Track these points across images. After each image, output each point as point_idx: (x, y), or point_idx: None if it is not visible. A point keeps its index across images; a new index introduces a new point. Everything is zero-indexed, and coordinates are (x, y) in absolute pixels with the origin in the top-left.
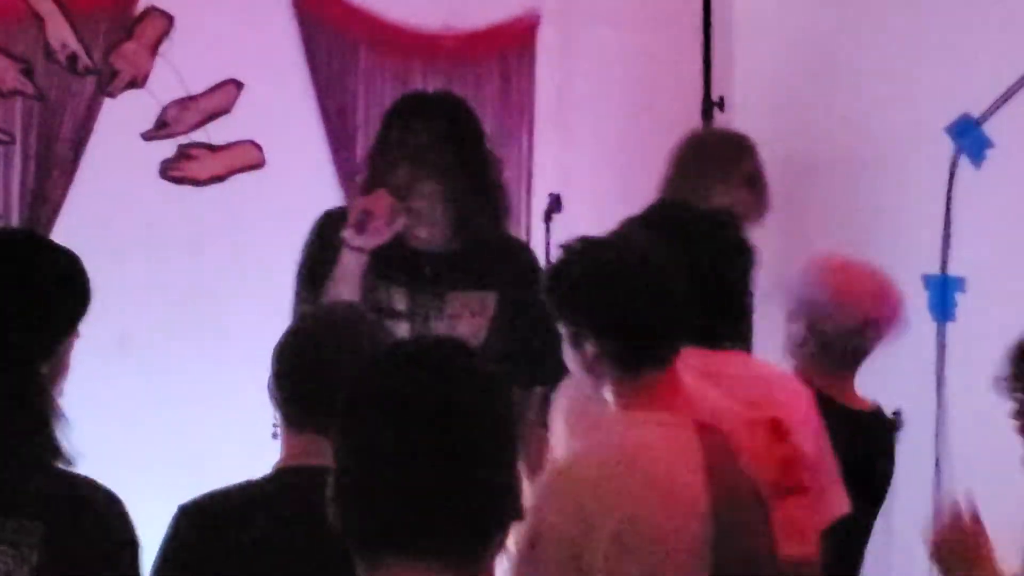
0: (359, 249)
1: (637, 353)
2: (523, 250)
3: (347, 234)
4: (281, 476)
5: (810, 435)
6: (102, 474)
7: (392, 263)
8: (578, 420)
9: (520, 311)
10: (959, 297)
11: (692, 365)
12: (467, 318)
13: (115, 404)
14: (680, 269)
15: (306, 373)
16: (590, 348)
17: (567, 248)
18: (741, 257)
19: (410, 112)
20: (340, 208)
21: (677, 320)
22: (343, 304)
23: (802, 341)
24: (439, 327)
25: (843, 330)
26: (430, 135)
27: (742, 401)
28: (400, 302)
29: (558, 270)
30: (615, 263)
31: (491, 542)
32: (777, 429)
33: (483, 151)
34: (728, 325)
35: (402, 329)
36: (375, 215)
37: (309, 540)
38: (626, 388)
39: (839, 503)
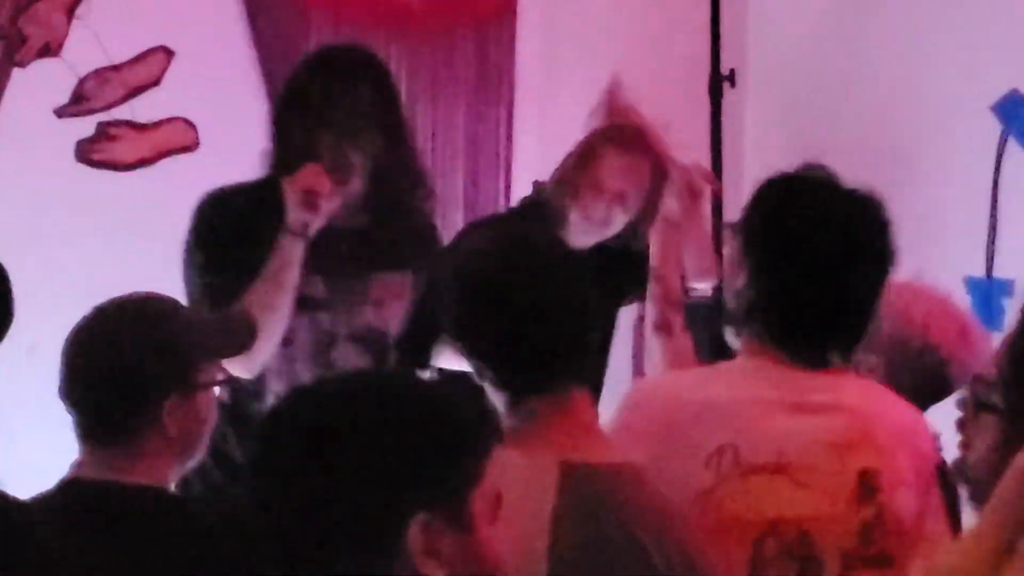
0: (303, 235)
1: (511, 381)
2: (433, 230)
3: (292, 216)
4: (70, 490)
5: (918, 490)
6: (12, 482)
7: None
8: None
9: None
10: (1007, 303)
11: (775, 396)
12: (393, 303)
13: (23, 411)
14: (576, 266)
15: (100, 378)
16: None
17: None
18: (869, 248)
19: (332, 74)
20: (234, 187)
21: (562, 333)
22: (143, 296)
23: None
24: (365, 315)
25: (924, 368)
26: (356, 103)
27: (828, 443)
28: (317, 289)
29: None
30: (474, 267)
31: None
32: (865, 484)
33: (404, 120)
34: (840, 340)
35: (323, 320)
36: (319, 194)
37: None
38: (510, 419)
39: None
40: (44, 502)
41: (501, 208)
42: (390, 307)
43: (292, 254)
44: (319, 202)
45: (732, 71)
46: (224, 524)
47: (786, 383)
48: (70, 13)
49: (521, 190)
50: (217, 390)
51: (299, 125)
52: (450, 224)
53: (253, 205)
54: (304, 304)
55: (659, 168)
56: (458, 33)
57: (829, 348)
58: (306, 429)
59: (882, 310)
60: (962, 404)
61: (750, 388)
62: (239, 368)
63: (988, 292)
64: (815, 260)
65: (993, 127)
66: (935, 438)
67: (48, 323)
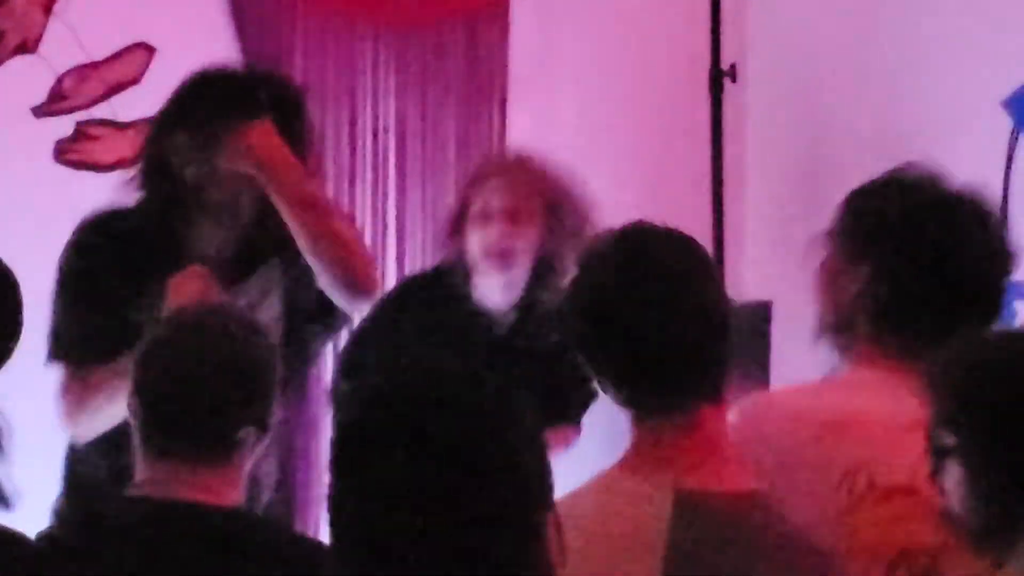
0: None
1: (636, 397)
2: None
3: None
4: (139, 507)
5: None
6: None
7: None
8: None
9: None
10: (1020, 306)
11: (901, 412)
12: (262, 304)
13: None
14: (712, 280)
15: (174, 391)
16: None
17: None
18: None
19: (227, 104)
20: (115, 219)
21: (687, 345)
22: (216, 306)
23: None
24: None
25: None
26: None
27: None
28: None
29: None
30: (599, 269)
31: None
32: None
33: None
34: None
35: None
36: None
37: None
38: (634, 438)
39: None
40: (112, 522)
41: None
42: (260, 310)
43: None
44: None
45: (733, 66)
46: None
47: (911, 397)
48: (47, 9)
49: None
50: None
51: (194, 151)
52: (440, 223)
53: (133, 247)
54: None
55: (552, 187)
56: (448, 27)
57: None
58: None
59: None
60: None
61: (874, 403)
62: (81, 429)
63: None
64: (949, 251)
65: (1004, 122)
66: None
67: (25, 325)
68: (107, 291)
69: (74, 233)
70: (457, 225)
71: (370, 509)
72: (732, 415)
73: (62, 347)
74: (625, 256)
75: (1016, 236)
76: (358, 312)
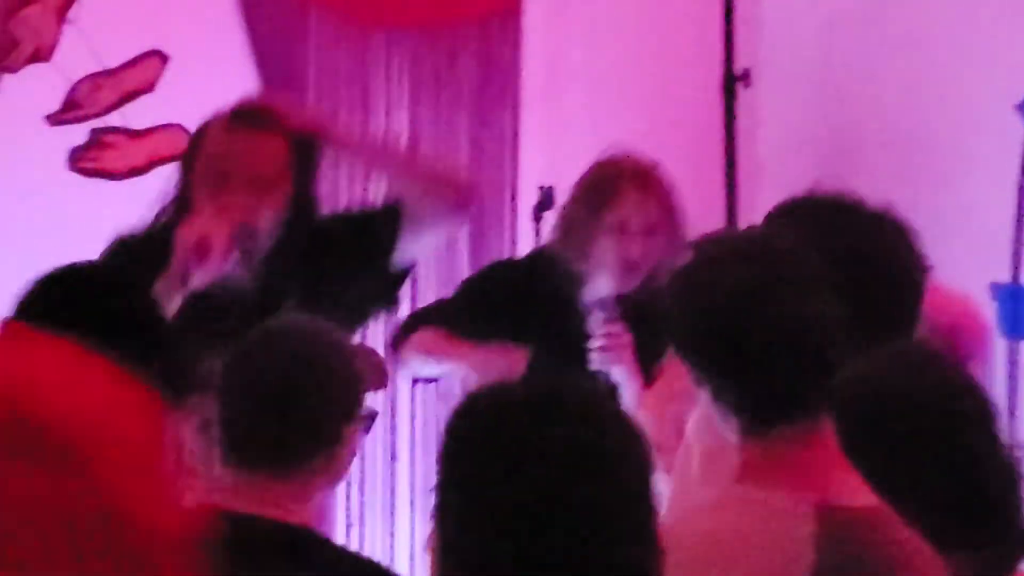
0: (182, 283)
1: (760, 403)
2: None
3: (176, 262)
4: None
5: None
6: None
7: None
8: (710, 474)
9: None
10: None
11: None
12: None
13: None
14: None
15: (265, 404)
16: (705, 391)
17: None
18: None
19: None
20: (134, 238)
21: (825, 352)
22: (307, 319)
23: None
24: None
25: None
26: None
27: None
28: None
29: (667, 286)
30: (721, 269)
31: None
32: None
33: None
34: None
35: None
36: (211, 244)
37: None
38: (749, 451)
39: None
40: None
41: (507, 212)
42: None
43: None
44: (210, 252)
45: (746, 70)
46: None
47: None
48: (61, 17)
49: (527, 195)
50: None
51: (204, 181)
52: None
53: (152, 262)
54: None
55: (676, 200)
56: (461, 33)
57: None
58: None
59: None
60: None
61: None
62: None
63: (1014, 298)
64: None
65: (1017, 127)
66: None
67: None
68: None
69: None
70: (579, 225)
71: (486, 527)
72: None
73: None
74: (750, 262)
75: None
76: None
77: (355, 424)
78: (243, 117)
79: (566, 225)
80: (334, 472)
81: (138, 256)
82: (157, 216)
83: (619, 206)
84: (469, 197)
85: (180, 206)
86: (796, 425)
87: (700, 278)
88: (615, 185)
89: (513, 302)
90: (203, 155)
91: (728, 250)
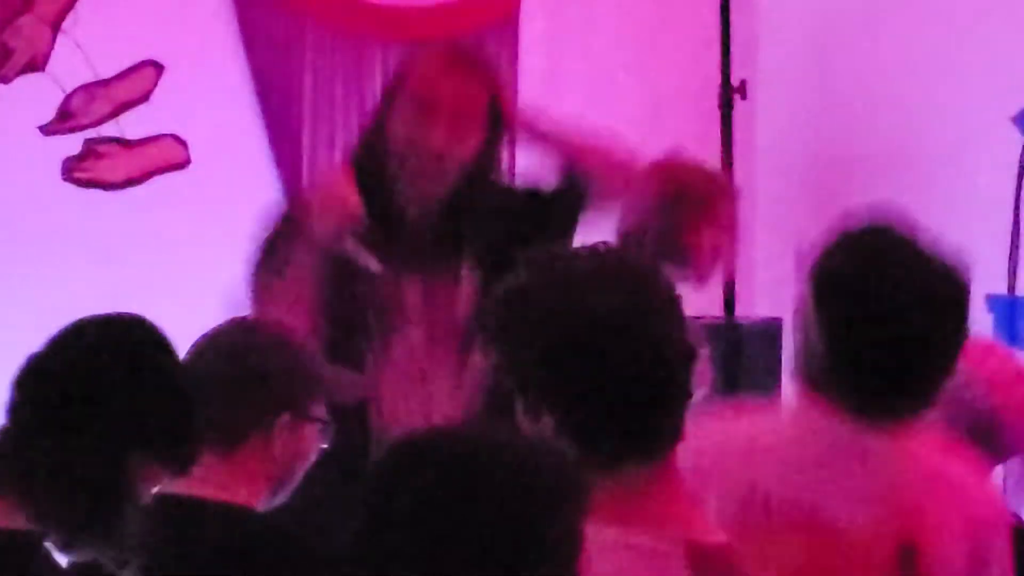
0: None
1: (616, 436)
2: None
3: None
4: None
5: (968, 563)
6: None
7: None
8: None
9: None
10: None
11: (821, 448)
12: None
13: None
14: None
15: (224, 380)
16: (546, 420)
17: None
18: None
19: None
20: None
21: (682, 384)
22: (260, 322)
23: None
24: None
25: (980, 427)
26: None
27: (871, 507)
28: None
29: (498, 301)
30: (578, 294)
31: None
32: (905, 559)
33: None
34: (910, 405)
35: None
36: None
37: None
38: (598, 487)
39: None
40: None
41: None
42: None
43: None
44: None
45: (743, 83)
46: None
47: (837, 437)
48: (56, 26)
49: None
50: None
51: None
52: None
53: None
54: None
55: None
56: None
57: (898, 411)
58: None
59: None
60: None
61: (795, 436)
62: None
63: (1011, 311)
64: (894, 326)
65: (1015, 139)
66: (998, 501)
67: (33, 345)
68: None
69: None
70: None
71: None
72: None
73: None
74: (611, 287)
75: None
76: None
77: (293, 417)
78: (460, 57)
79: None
80: (277, 463)
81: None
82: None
83: (691, 203)
84: (630, 181)
85: (376, 129)
86: (652, 460)
87: (551, 302)
88: (684, 183)
89: None
90: (412, 82)
91: (581, 273)
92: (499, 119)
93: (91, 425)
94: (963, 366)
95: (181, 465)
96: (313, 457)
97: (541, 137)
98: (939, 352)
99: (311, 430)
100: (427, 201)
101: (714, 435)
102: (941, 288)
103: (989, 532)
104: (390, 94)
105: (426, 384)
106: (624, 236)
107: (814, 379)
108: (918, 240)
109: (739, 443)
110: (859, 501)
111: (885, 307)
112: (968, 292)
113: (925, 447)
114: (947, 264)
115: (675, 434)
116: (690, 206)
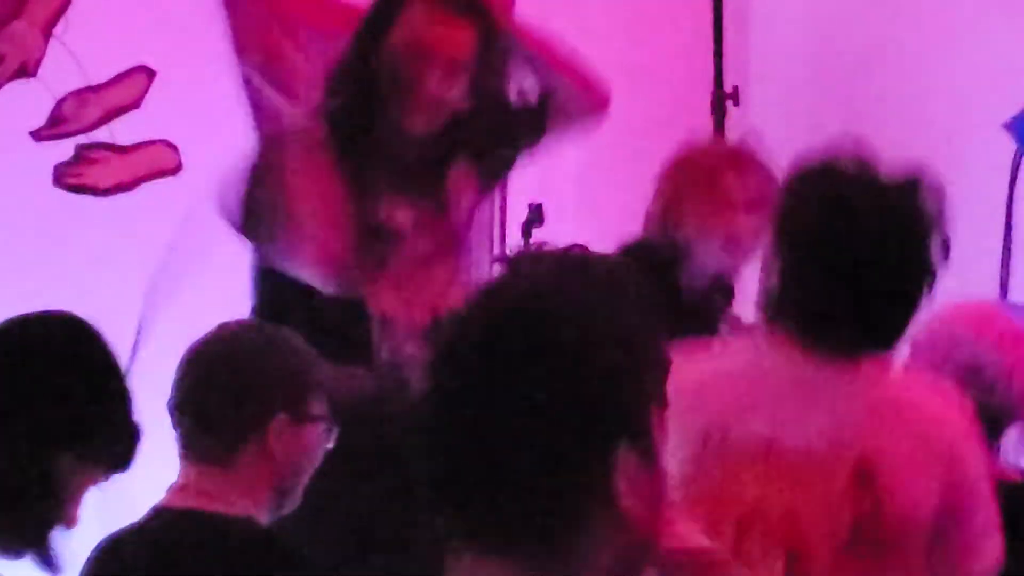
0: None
1: None
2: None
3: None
4: (160, 519)
5: (932, 484)
6: None
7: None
8: None
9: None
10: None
11: (779, 379)
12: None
13: None
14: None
15: (190, 395)
16: None
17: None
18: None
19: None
20: None
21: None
22: (251, 324)
23: None
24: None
25: (992, 393)
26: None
27: (826, 430)
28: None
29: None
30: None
31: None
32: (861, 475)
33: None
34: (873, 340)
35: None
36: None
37: None
38: None
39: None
40: (141, 532)
41: (496, 229)
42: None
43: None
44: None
45: (735, 89)
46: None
47: (794, 371)
48: (47, 32)
49: (516, 213)
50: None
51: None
52: None
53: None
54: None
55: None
56: None
57: (854, 344)
58: (520, 346)
59: (953, 332)
60: None
61: (753, 368)
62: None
63: None
64: (844, 259)
65: (1007, 145)
66: (965, 427)
67: None
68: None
69: None
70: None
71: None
72: None
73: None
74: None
75: (1023, 258)
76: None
77: (289, 418)
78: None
79: (664, 212)
80: (275, 463)
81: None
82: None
83: (726, 184)
84: (607, 101)
85: (361, 83)
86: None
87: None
88: (718, 164)
89: None
90: (400, 29)
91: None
92: (493, 44)
93: (16, 426)
94: (967, 331)
95: (116, 464)
96: (318, 459)
97: (524, 49)
98: (893, 285)
99: (312, 431)
100: (418, 133)
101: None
102: (891, 222)
103: (954, 456)
104: (375, 27)
105: (425, 290)
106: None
107: (773, 316)
108: (874, 176)
109: (693, 382)
110: (816, 431)
111: (836, 241)
112: (926, 224)
113: (890, 379)
114: (904, 200)
115: None
116: None
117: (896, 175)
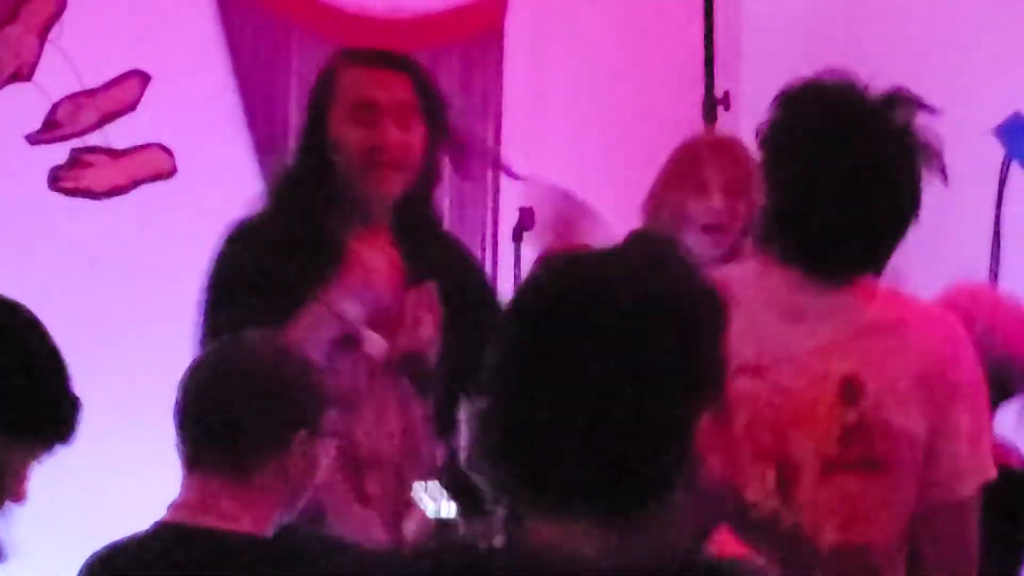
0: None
1: None
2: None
3: (374, 346)
4: (164, 534)
5: (924, 401)
6: None
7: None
8: None
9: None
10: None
11: (768, 299)
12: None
13: None
14: None
15: (208, 407)
16: None
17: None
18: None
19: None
20: (259, 215)
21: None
22: (267, 336)
23: None
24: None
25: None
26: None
27: (814, 347)
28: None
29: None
30: None
31: None
32: (849, 389)
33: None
34: (862, 259)
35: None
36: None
37: None
38: None
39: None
40: (141, 547)
41: (488, 234)
42: (424, 324)
43: (320, 322)
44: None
45: (726, 94)
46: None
47: (786, 289)
48: (42, 37)
49: (508, 216)
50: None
51: (342, 120)
52: None
53: (283, 248)
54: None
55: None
56: (442, 55)
57: (849, 267)
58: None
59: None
60: None
61: (743, 290)
62: None
63: None
64: (827, 177)
65: (995, 151)
66: (960, 343)
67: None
68: (251, 285)
69: (221, 241)
70: (668, 192)
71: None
72: None
73: (204, 338)
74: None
75: (1011, 262)
76: None
77: (309, 433)
78: (373, 56)
79: (657, 201)
80: (291, 483)
81: (264, 234)
82: (282, 180)
83: (704, 168)
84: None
85: (315, 158)
86: None
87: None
88: (698, 150)
89: None
90: (342, 94)
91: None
92: (434, 114)
93: None
94: (959, 309)
95: (57, 437)
96: (322, 474)
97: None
98: (886, 203)
99: (323, 446)
100: (389, 197)
101: None
102: (881, 141)
103: (944, 374)
104: (321, 103)
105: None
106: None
107: (765, 238)
108: (863, 95)
109: None
110: (805, 348)
111: (827, 159)
112: (914, 142)
113: (880, 299)
114: (890, 118)
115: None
116: None
117: (884, 94)
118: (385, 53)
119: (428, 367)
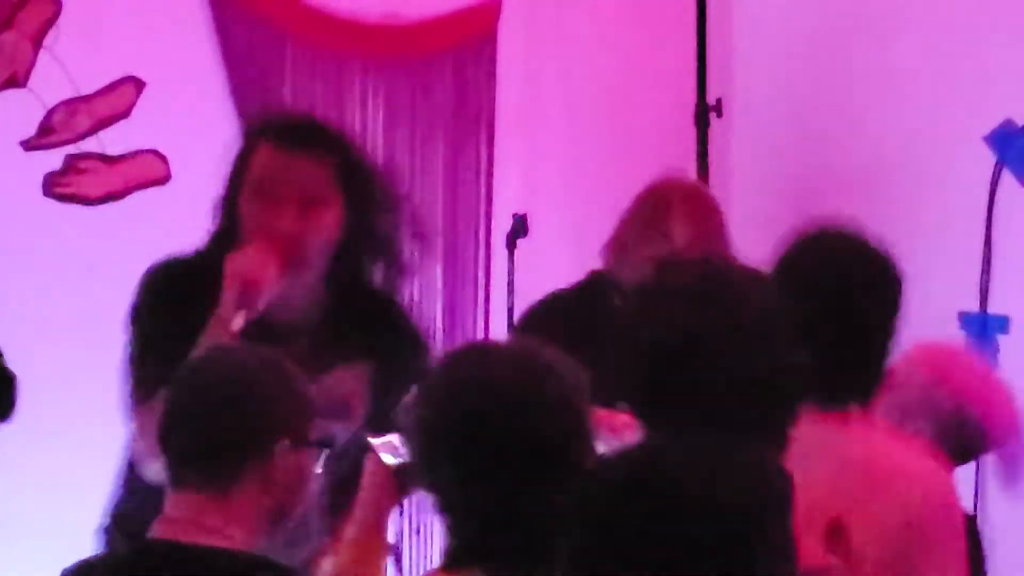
0: (233, 330)
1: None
2: (403, 315)
3: (224, 306)
4: (152, 550)
5: (906, 541)
6: None
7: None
8: None
9: (394, 383)
10: (1001, 339)
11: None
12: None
13: None
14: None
15: (186, 424)
16: None
17: None
18: (886, 282)
19: (285, 146)
20: (178, 261)
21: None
22: (255, 348)
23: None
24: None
25: (960, 432)
26: (311, 179)
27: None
28: None
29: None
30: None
31: None
32: (835, 532)
33: (372, 190)
34: (857, 377)
35: None
36: (260, 287)
37: None
38: None
39: None
40: (127, 564)
41: (481, 240)
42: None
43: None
44: (258, 297)
45: (718, 100)
46: None
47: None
48: (37, 43)
49: (501, 224)
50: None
51: (247, 199)
52: (429, 261)
53: (180, 286)
54: None
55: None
56: (435, 61)
57: (840, 397)
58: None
59: (918, 375)
60: None
61: None
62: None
63: (983, 328)
64: (830, 318)
65: (987, 158)
66: (942, 485)
67: (13, 359)
68: (172, 334)
69: (142, 277)
70: (633, 243)
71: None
72: None
73: (131, 390)
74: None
75: (1001, 269)
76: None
77: (291, 442)
78: (288, 135)
79: (620, 246)
80: (276, 493)
81: (184, 283)
82: (212, 236)
83: (671, 220)
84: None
85: (227, 225)
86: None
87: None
88: (667, 201)
89: (574, 331)
90: (250, 173)
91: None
92: (356, 175)
93: None
94: (930, 372)
95: None
96: (312, 485)
97: None
98: (871, 336)
99: (309, 456)
100: (295, 288)
101: None
102: (859, 270)
103: (927, 514)
104: (235, 175)
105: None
106: None
107: None
108: (847, 237)
109: None
110: (800, 483)
111: (817, 303)
112: (887, 273)
113: (872, 433)
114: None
115: None
116: None
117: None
118: (307, 129)
119: (330, 440)
